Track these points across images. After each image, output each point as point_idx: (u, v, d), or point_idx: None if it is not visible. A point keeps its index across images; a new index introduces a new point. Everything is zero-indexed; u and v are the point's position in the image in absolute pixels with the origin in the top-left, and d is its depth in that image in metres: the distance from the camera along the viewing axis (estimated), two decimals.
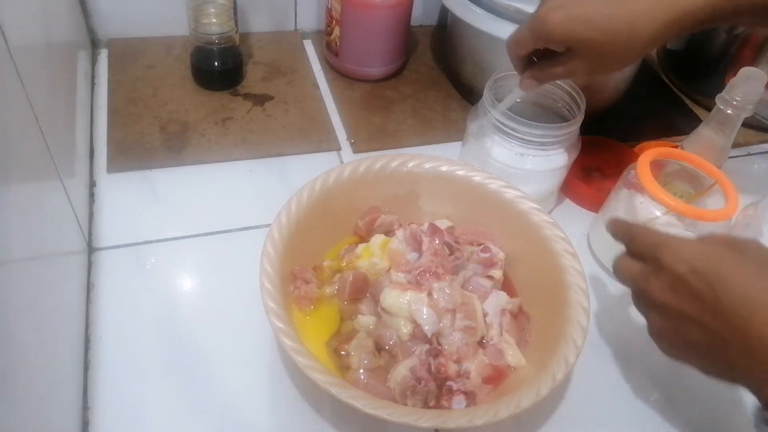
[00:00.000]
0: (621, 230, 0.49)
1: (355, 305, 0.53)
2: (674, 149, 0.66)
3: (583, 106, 0.62)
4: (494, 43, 0.72)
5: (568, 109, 0.65)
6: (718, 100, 0.63)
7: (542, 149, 0.62)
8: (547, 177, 0.64)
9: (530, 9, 0.69)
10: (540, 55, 0.57)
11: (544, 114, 0.66)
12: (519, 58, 0.58)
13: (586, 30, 0.51)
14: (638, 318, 0.61)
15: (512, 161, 0.63)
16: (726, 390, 0.57)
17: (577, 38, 0.52)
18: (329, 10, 0.79)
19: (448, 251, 0.55)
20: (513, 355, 0.51)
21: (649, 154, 0.61)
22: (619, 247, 0.62)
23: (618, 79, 0.78)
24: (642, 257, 0.45)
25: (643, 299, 0.45)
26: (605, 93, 0.78)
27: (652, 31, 0.50)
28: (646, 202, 0.58)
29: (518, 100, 0.64)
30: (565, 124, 0.61)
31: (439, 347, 0.49)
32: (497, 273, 0.55)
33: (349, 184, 0.57)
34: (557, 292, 0.52)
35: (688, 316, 0.41)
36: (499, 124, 0.62)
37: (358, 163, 0.58)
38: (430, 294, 0.51)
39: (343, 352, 0.50)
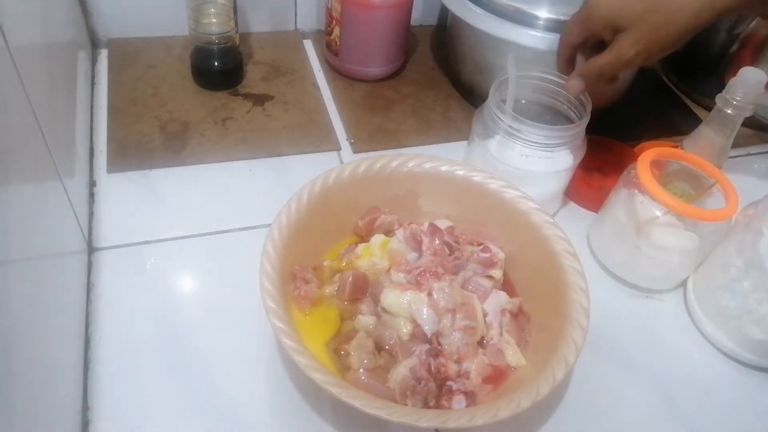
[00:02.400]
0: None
1: (355, 305, 0.53)
2: (674, 149, 0.66)
3: (588, 108, 0.62)
4: (494, 43, 0.72)
5: (573, 110, 0.65)
6: (718, 100, 0.63)
7: (547, 151, 0.61)
8: (553, 178, 0.64)
9: (530, 9, 0.70)
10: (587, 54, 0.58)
11: (550, 115, 0.66)
12: (568, 51, 0.58)
13: (633, 3, 0.52)
14: (638, 318, 0.61)
15: (517, 163, 0.62)
16: (726, 390, 0.57)
17: (625, 14, 0.52)
18: (329, 10, 0.79)
19: (448, 251, 0.55)
20: (513, 355, 0.51)
21: (649, 154, 0.61)
22: (621, 249, 0.62)
23: (618, 79, 0.78)
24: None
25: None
26: (605, 93, 0.78)
27: (698, 4, 0.51)
28: (646, 202, 0.58)
29: (524, 102, 0.64)
30: (570, 125, 0.61)
31: (439, 347, 0.49)
32: (497, 273, 0.55)
33: (349, 184, 0.57)
34: (557, 292, 0.52)
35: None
36: (504, 125, 0.62)
37: (358, 163, 0.58)
38: (430, 294, 0.51)
39: (342, 352, 0.50)
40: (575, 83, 0.59)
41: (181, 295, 0.57)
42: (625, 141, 0.77)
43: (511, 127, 0.61)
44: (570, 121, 0.64)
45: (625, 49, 0.54)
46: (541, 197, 0.61)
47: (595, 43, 0.57)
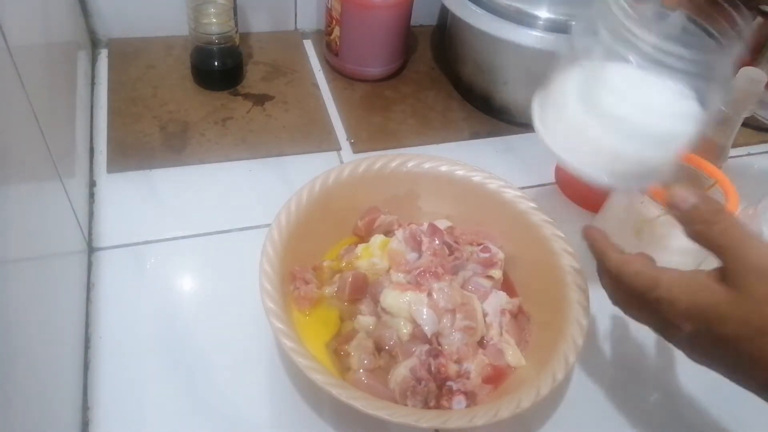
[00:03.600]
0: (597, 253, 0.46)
1: (355, 306, 0.53)
2: None
3: (745, 32, 0.42)
4: (494, 43, 0.72)
5: (721, 34, 0.44)
6: None
7: (674, 81, 0.43)
8: (670, 128, 0.45)
9: (530, 9, 0.70)
10: None
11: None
12: None
13: None
14: None
15: (628, 86, 0.44)
16: (726, 390, 0.57)
17: None
18: (329, 10, 0.79)
19: (447, 251, 0.55)
20: (513, 355, 0.51)
21: None
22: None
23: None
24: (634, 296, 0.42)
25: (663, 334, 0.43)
26: None
27: None
28: (646, 202, 0.58)
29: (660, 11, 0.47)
30: (713, 50, 0.43)
31: (439, 347, 0.49)
32: (497, 273, 0.55)
33: (348, 184, 0.57)
34: (557, 292, 0.52)
35: (710, 356, 0.44)
36: (624, 32, 0.43)
37: (357, 163, 0.58)
38: (430, 294, 0.51)
39: (343, 353, 0.50)
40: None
41: (181, 295, 0.57)
42: None
43: (632, 33, 0.42)
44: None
45: None
46: (647, 159, 0.45)
47: None
